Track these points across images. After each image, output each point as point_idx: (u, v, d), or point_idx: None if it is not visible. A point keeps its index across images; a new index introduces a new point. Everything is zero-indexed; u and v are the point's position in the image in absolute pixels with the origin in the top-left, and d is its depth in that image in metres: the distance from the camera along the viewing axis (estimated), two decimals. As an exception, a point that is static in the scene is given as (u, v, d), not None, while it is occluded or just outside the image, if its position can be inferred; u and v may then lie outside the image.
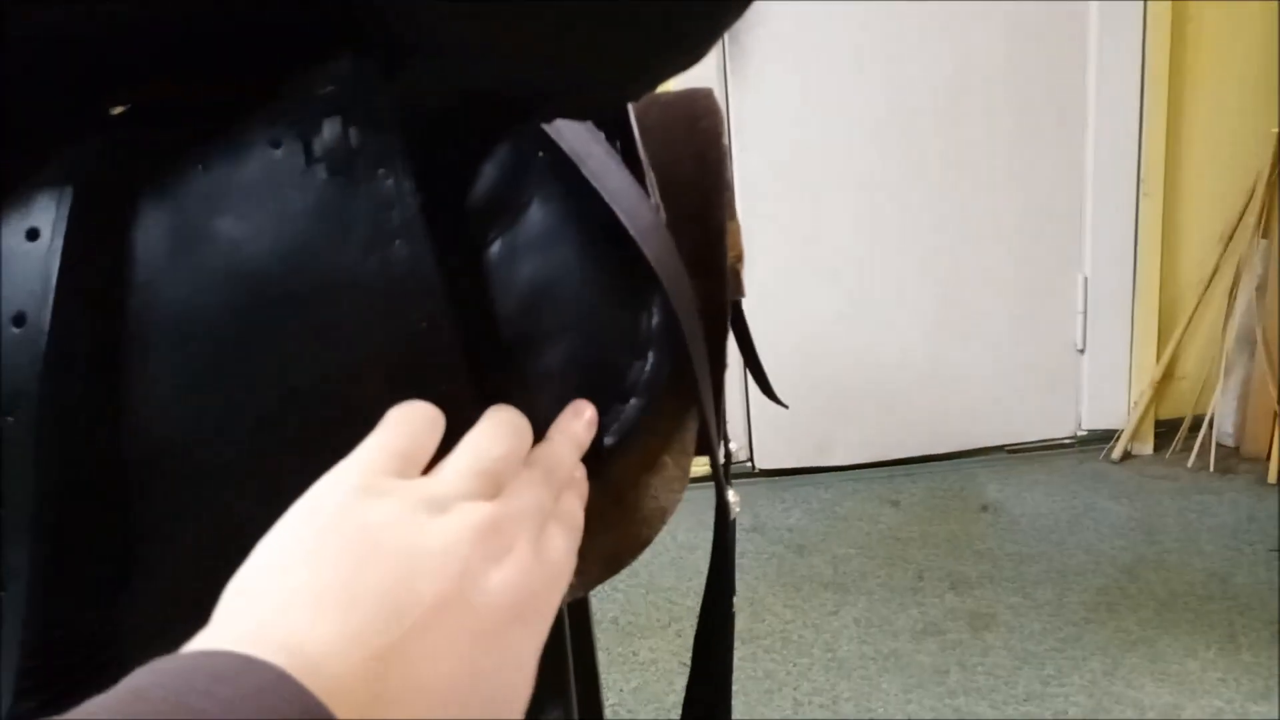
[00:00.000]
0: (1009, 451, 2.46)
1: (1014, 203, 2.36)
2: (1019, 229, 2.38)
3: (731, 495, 0.49)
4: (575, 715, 0.52)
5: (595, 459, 0.42)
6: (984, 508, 2.20)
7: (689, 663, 1.82)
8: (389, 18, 0.38)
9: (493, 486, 0.35)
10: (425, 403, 0.37)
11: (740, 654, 1.63)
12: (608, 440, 0.43)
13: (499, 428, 0.37)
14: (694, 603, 1.98)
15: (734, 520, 0.52)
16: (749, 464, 2.36)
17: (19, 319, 0.36)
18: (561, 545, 0.37)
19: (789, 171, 2.28)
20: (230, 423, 0.38)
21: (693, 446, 0.47)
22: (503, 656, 0.33)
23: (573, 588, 0.46)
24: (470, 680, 0.32)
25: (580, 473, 0.40)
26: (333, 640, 0.29)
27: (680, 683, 1.61)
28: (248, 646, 0.28)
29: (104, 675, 0.37)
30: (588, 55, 0.37)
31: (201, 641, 0.29)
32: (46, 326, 0.36)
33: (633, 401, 0.43)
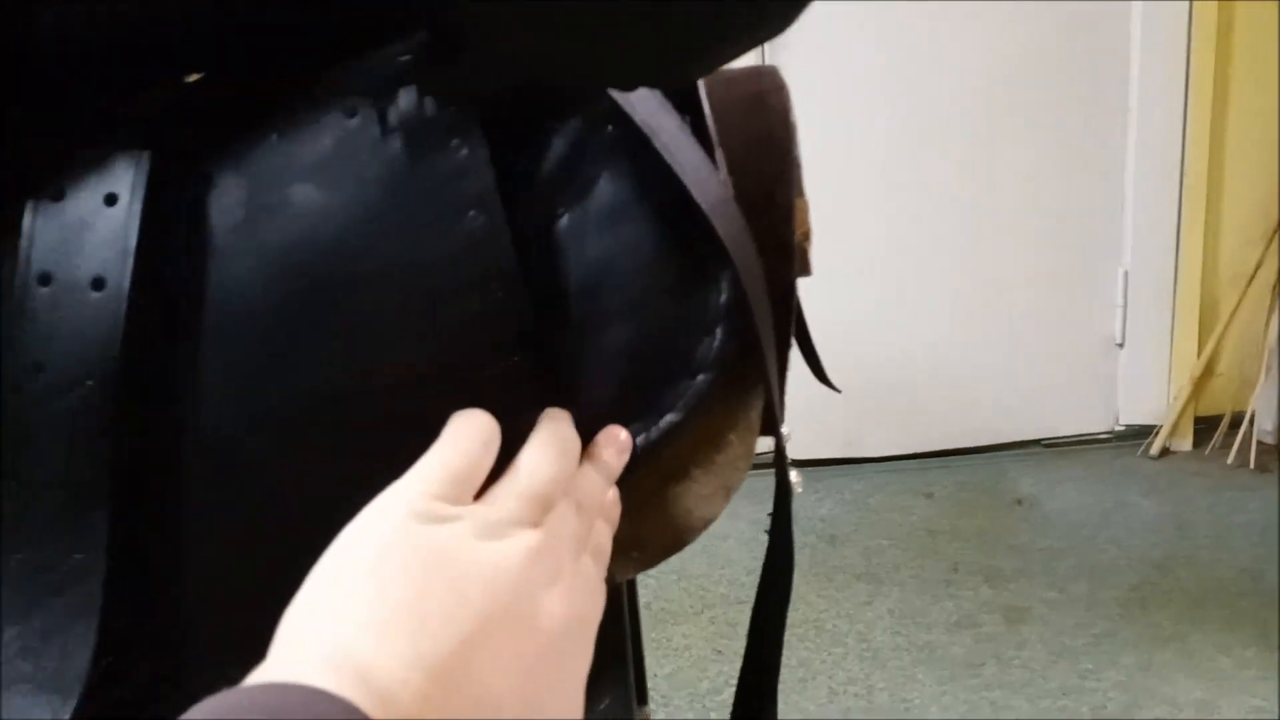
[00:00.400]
0: (1044, 446, 2.44)
1: (1054, 195, 2.34)
2: (1059, 221, 2.35)
3: (794, 475, 0.49)
4: (633, 690, 0.52)
5: (661, 435, 0.42)
6: (1018, 502, 2.18)
7: (722, 649, 1.82)
8: (415, 14, 0.39)
9: (541, 511, 0.36)
10: (482, 417, 0.37)
11: (773, 642, 1.62)
12: (674, 416, 0.42)
13: (548, 449, 0.37)
14: (726, 590, 1.98)
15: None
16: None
17: (98, 283, 0.36)
18: (595, 573, 0.38)
19: (820, 165, 2.26)
20: (295, 411, 0.38)
21: (757, 425, 0.46)
22: (560, 676, 0.34)
23: (636, 563, 0.46)
24: (529, 701, 0.32)
25: (613, 495, 0.41)
26: (401, 666, 0.29)
27: (714, 669, 1.61)
28: (317, 675, 0.28)
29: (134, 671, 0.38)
30: (598, 53, 0.37)
31: (269, 670, 0.29)
32: (126, 292, 0.36)
33: (700, 377, 0.42)
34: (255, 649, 0.31)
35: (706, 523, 0.46)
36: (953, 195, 2.32)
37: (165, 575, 0.38)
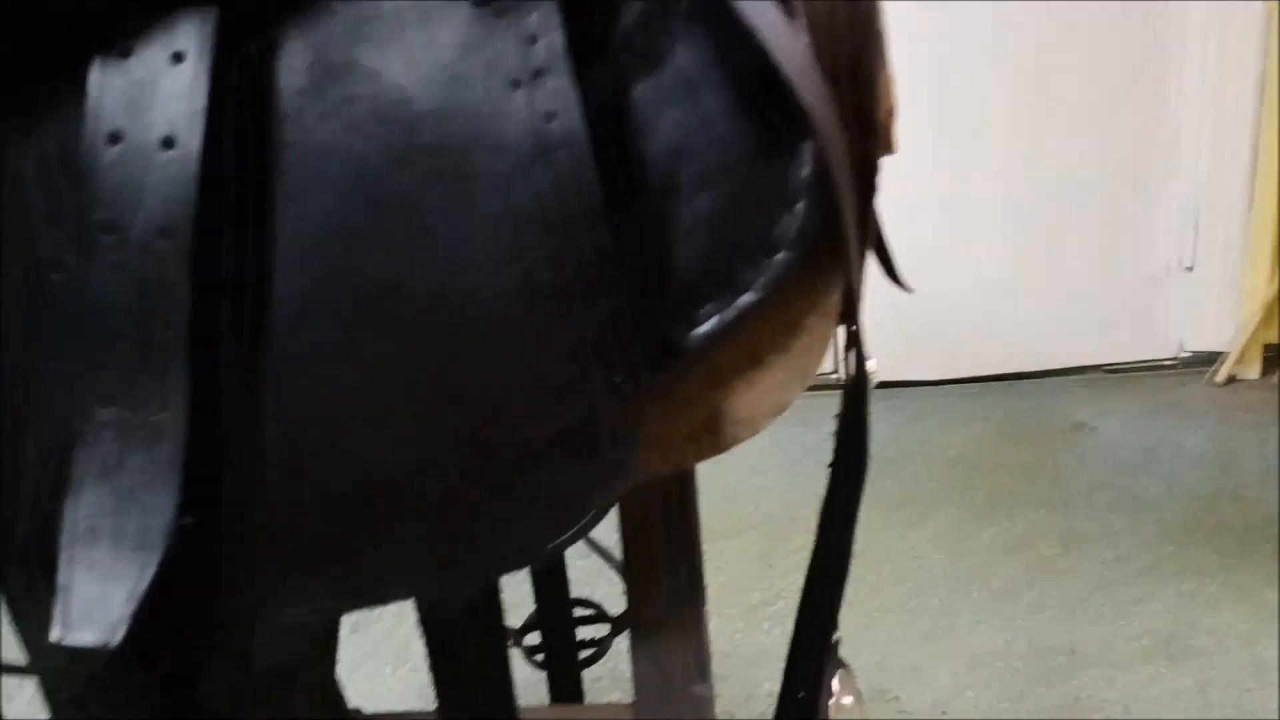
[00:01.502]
0: (1105, 371, 2.39)
1: (1120, 110, 2.25)
2: (1129, 137, 2.27)
3: (871, 364, 0.47)
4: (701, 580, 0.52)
5: (737, 316, 0.41)
6: (1073, 428, 2.15)
7: (774, 563, 1.79)
8: None
9: None
10: None
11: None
12: (751, 296, 0.41)
13: None
14: (774, 508, 1.93)
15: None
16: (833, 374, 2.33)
17: (168, 142, 0.35)
18: None
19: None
20: (362, 283, 0.37)
21: (835, 311, 0.45)
22: None
23: (707, 448, 0.45)
24: None
25: None
26: None
27: (764, 582, 1.61)
28: None
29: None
30: None
31: None
32: (197, 150, 0.35)
33: (779, 255, 0.41)
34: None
35: (780, 409, 0.45)
36: (1013, 109, 2.24)
37: (238, 463, 0.38)
